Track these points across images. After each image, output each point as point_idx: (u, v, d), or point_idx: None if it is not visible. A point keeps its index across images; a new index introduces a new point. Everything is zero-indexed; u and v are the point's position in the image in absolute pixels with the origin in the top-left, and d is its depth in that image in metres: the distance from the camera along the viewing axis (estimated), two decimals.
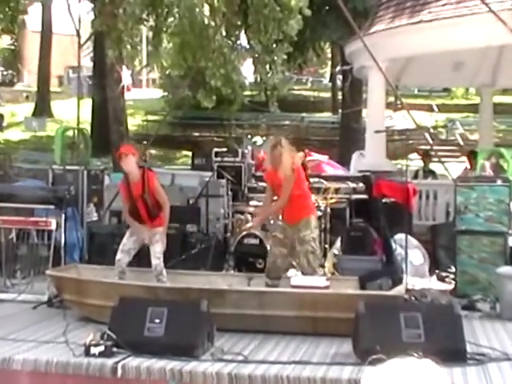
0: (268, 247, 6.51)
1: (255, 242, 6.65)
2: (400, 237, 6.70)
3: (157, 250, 5.44)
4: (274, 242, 5.43)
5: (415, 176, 9.75)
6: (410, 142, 19.67)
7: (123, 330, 4.22)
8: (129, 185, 5.55)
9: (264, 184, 7.97)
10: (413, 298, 5.53)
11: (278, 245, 5.34)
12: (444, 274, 6.79)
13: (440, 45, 9.07)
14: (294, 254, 5.35)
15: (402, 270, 5.99)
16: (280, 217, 5.56)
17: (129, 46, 13.36)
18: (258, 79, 13.82)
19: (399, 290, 4.98)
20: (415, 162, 12.29)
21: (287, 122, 25.42)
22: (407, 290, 5.46)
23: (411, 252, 6.69)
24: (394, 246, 6.63)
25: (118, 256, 5.47)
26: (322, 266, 6.83)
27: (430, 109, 23.89)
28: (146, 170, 5.55)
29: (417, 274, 6.71)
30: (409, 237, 6.49)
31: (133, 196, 5.52)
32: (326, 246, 7.17)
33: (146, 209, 5.52)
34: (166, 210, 5.52)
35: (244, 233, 6.67)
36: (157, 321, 4.23)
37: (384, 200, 7.24)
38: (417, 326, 4.13)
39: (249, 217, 6.35)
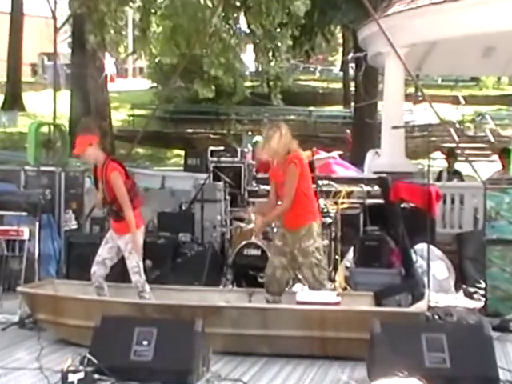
0: None
1: (256, 252, 6.65)
2: (421, 247, 6.69)
3: (133, 264, 5.35)
4: (273, 251, 5.43)
5: (438, 178, 9.76)
6: (433, 139, 19.73)
7: (106, 354, 4.22)
8: (95, 169, 5.49)
9: (267, 187, 8.01)
10: (436, 317, 5.53)
11: (277, 254, 5.34)
12: (472, 290, 6.78)
13: (468, 27, 9.07)
14: (296, 266, 5.34)
15: (423, 284, 5.98)
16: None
17: (112, 31, 13.41)
18: (260, 68, 13.85)
19: (421, 307, 4.98)
20: (438, 161, 12.28)
21: (292, 117, 25.48)
22: (430, 308, 5.46)
23: (434, 264, 6.68)
24: (414, 257, 6.63)
25: (93, 268, 5.43)
26: (333, 280, 6.84)
27: (455, 101, 23.95)
28: (108, 160, 5.38)
29: (441, 290, 6.70)
30: (431, 247, 6.49)
31: (97, 181, 5.48)
32: (337, 257, 7.17)
33: (105, 204, 5.44)
34: (126, 213, 5.26)
35: (244, 242, 6.68)
36: (145, 343, 4.23)
37: (403, 205, 7.23)
38: (441, 349, 4.12)
39: (249, 225, 6.29)
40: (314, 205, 5.42)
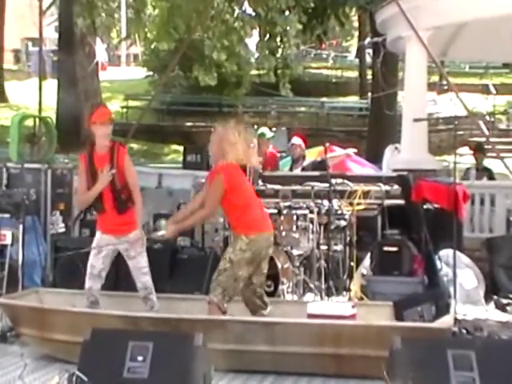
0: (279, 265, 6.52)
1: None
2: (447, 253, 6.68)
3: (142, 265, 5.45)
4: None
5: (466, 176, 9.73)
6: (460, 132, 19.59)
7: (97, 371, 4.21)
8: (91, 156, 5.47)
9: (274, 186, 8.02)
10: (464, 332, 5.51)
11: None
12: (504, 301, 6.77)
13: (500, 7, 9.04)
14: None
15: (449, 294, 5.96)
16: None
17: (103, 13, 13.42)
18: (261, 57, 13.81)
19: (447, 322, 4.96)
20: (466, 158, 12.25)
21: (303, 109, 25.48)
22: (456, 321, 5.44)
23: (461, 272, 6.67)
24: (438, 264, 6.62)
25: (88, 284, 5.43)
26: (348, 290, 6.84)
27: (485, 90, 23.83)
28: (117, 144, 5.53)
29: (469, 301, 6.69)
30: (458, 253, 6.46)
31: (94, 170, 5.41)
32: (352, 263, 7.17)
33: (112, 193, 5.42)
34: (137, 202, 5.42)
35: None
36: (139, 358, 4.22)
37: (426, 206, 7.22)
38: (469, 367, 4.09)
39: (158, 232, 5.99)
40: (250, 217, 5.31)
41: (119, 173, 5.40)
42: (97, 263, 5.46)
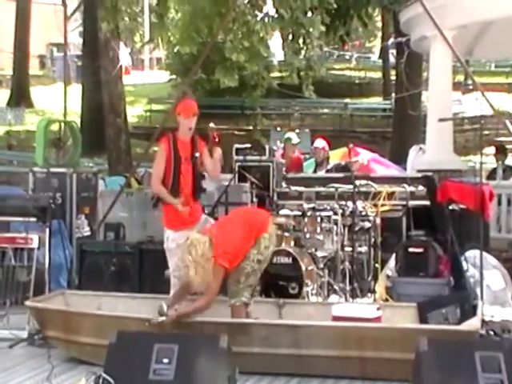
0: (303, 267, 6.51)
1: (287, 261, 6.64)
2: (473, 254, 6.62)
3: None
4: None
5: (492, 176, 9.65)
6: (486, 132, 19.45)
7: (123, 373, 4.24)
8: (175, 142, 5.59)
9: (298, 188, 8.00)
10: (491, 333, 5.46)
11: None
12: None
13: None
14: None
15: (475, 296, 5.91)
16: None
17: (127, 18, 13.51)
18: (289, 57, 13.80)
19: (474, 325, 4.91)
20: (492, 158, 12.15)
21: (326, 111, 25.44)
22: (484, 323, 5.38)
23: (488, 273, 6.61)
24: (465, 265, 6.56)
25: (176, 287, 5.38)
26: (373, 291, 6.81)
27: (511, 89, 23.64)
28: (196, 135, 5.72)
29: (496, 302, 6.62)
30: (485, 254, 6.41)
31: (178, 156, 5.52)
32: (377, 265, 7.14)
33: (193, 178, 5.54)
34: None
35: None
36: (165, 360, 4.24)
37: (451, 207, 7.17)
38: (498, 369, 4.05)
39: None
40: (256, 217, 5.41)
41: (201, 160, 5.59)
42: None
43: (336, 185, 7.51)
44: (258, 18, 12.51)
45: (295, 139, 9.89)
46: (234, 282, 5.13)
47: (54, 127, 8.63)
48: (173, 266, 5.48)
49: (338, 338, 4.75)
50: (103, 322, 5.03)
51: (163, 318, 4.98)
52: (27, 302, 5.56)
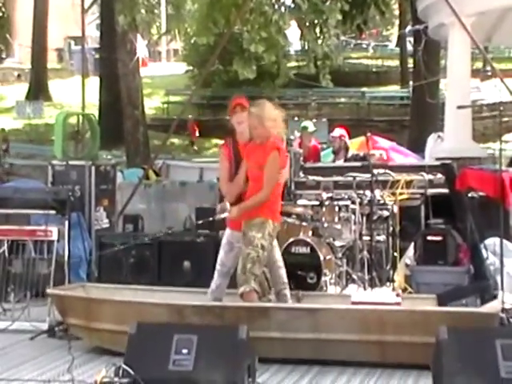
0: (321, 257, 6.49)
1: (306, 250, 6.63)
2: (493, 242, 6.56)
3: (276, 258, 5.40)
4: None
5: None
6: (505, 119, 19.23)
7: (142, 364, 4.25)
8: (236, 146, 5.45)
9: (316, 178, 7.97)
10: None
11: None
12: None
13: None
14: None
15: (495, 285, 5.87)
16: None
17: (143, 10, 13.50)
18: (306, 46, 13.76)
19: (495, 307, 4.90)
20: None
21: (343, 100, 25.34)
22: (504, 310, 5.34)
23: (508, 261, 6.54)
24: (484, 253, 6.51)
25: (218, 281, 5.34)
26: (391, 280, 6.78)
27: None
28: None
29: None
30: (505, 241, 6.34)
31: (239, 158, 5.37)
32: (396, 254, 7.10)
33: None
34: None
35: (291, 239, 6.67)
36: (184, 351, 4.25)
37: (471, 195, 7.11)
38: None
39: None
40: (276, 202, 5.32)
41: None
42: (228, 261, 5.35)
43: (354, 174, 7.48)
44: (275, 7, 12.48)
45: (311, 127, 9.84)
46: (241, 270, 5.08)
47: (73, 120, 8.66)
48: (218, 260, 5.42)
49: (358, 323, 4.75)
50: (124, 309, 5.05)
51: (226, 214, 5.11)
52: (49, 290, 5.60)
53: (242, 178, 5.32)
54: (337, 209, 6.95)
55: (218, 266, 5.39)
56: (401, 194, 7.37)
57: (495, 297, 5.37)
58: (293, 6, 13.51)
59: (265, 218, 5.15)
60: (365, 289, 6.66)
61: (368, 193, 6.97)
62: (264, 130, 5.20)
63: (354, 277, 6.86)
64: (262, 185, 5.13)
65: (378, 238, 7.09)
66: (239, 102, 5.52)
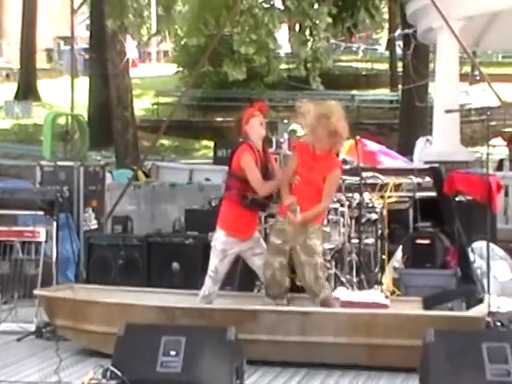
0: None
1: None
2: (480, 245, 6.60)
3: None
4: (270, 250, 5.34)
5: (500, 167, 9.62)
6: (493, 123, 19.35)
7: (130, 366, 4.25)
8: (257, 152, 5.34)
9: None
10: (498, 324, 5.44)
11: (276, 253, 5.27)
12: None
13: None
14: (297, 264, 5.25)
15: (482, 288, 5.90)
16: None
17: (131, 15, 13.47)
18: (296, 49, 13.78)
19: (481, 311, 4.93)
20: (499, 149, 12.11)
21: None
22: (491, 314, 5.37)
23: (495, 264, 6.59)
24: (472, 256, 6.54)
25: (211, 288, 5.31)
26: (379, 283, 6.79)
27: None
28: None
29: (503, 293, 6.59)
30: (492, 245, 6.39)
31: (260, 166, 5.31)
32: (384, 256, 7.11)
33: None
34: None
35: None
36: (172, 353, 4.25)
37: (458, 198, 7.14)
38: (504, 360, 4.05)
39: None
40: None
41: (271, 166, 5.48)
42: (223, 269, 5.33)
43: (343, 176, 7.49)
44: (266, 10, 12.50)
45: (300, 131, 9.85)
46: (315, 279, 5.17)
47: (62, 121, 8.63)
48: (211, 267, 5.38)
49: (347, 325, 4.77)
50: (112, 310, 5.04)
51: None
52: (36, 291, 5.57)
53: (289, 173, 5.36)
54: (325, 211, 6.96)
55: (210, 273, 5.33)
56: (389, 197, 7.38)
57: (481, 300, 5.40)
58: (283, 8, 13.53)
59: (318, 223, 5.39)
60: (353, 291, 6.66)
61: (357, 196, 6.98)
62: (329, 143, 5.29)
63: (343, 279, 6.86)
64: (315, 190, 5.25)
65: (366, 240, 7.08)
66: (249, 111, 5.44)
